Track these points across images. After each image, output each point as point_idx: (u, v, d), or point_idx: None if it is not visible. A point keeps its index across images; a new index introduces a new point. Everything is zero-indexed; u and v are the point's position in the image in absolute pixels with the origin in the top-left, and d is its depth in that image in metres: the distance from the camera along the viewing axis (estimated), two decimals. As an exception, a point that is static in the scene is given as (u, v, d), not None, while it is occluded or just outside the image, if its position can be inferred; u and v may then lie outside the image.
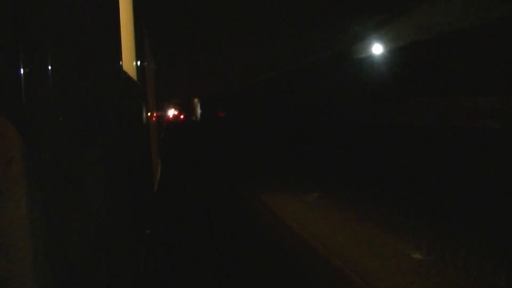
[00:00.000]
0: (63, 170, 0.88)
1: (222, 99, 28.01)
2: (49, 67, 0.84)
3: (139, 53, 3.31)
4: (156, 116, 8.07)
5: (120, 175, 1.70)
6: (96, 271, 1.12)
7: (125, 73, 2.14)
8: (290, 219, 5.23)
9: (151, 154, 4.45)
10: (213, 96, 31.54)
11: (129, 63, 2.69)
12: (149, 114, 4.58)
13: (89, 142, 1.18)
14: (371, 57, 7.81)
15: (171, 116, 41.63)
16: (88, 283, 1.01)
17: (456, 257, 3.62)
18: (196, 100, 39.57)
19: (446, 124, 5.85)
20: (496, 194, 4.64)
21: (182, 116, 42.15)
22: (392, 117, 7.15)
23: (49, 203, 0.77)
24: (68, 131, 0.96)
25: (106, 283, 1.23)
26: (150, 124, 4.58)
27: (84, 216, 1.04)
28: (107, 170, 1.40)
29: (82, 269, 0.97)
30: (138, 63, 3.21)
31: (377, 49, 7.59)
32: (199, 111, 39.10)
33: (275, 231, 4.98)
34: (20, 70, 0.73)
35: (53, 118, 0.85)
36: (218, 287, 3.30)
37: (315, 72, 11.14)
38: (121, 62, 1.92)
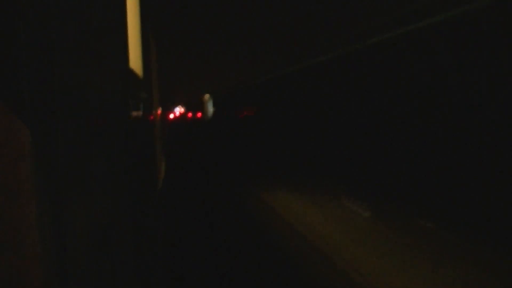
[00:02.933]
0: (71, 168, 0.91)
1: (248, 94, 21.01)
2: (56, 65, 0.85)
3: (145, 50, 3.35)
4: (161, 114, 8.06)
5: (126, 173, 1.74)
6: (102, 269, 1.16)
7: (131, 70, 2.18)
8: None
9: (156, 152, 4.50)
10: (232, 90, 24.95)
11: (135, 60, 2.74)
12: (153, 111, 4.64)
13: (96, 139, 1.22)
14: None
15: (177, 114, 41.00)
16: (94, 281, 1.05)
17: None
18: (207, 96, 34.94)
19: None
20: None
21: (189, 115, 41.30)
22: None
23: (58, 201, 0.80)
24: (76, 129, 0.99)
25: (110, 281, 1.26)
26: (154, 122, 4.63)
27: (91, 215, 1.07)
28: (113, 168, 1.44)
29: (88, 267, 1.00)
30: (144, 60, 3.25)
31: None
32: (210, 109, 34.60)
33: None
34: (27, 69, 0.74)
35: (61, 116, 0.86)
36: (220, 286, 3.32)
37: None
38: (127, 59, 1.96)
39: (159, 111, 7.28)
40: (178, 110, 42.16)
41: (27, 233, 0.71)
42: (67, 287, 0.81)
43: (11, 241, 0.70)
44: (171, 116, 35.51)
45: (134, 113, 2.38)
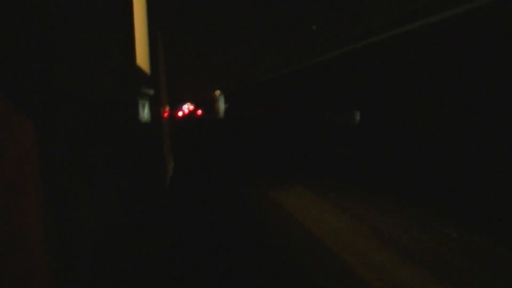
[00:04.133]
0: (76, 167, 0.91)
1: (264, 89, 18.02)
2: (59, 65, 0.87)
3: (152, 48, 3.37)
4: (169, 112, 8.06)
5: (128, 172, 1.75)
6: (102, 269, 1.17)
7: (138, 67, 2.19)
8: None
9: (163, 150, 4.52)
10: (246, 86, 22.09)
11: (142, 56, 2.76)
12: (161, 109, 4.67)
13: (103, 138, 1.22)
14: None
15: (186, 111, 40.89)
16: (95, 280, 1.05)
17: None
18: (217, 92, 32.52)
19: None
20: None
21: (199, 112, 40.96)
22: None
23: (61, 201, 0.81)
24: (82, 128, 0.99)
25: (111, 281, 1.27)
26: (162, 119, 4.66)
27: (95, 213, 1.08)
28: (116, 167, 1.44)
29: (89, 266, 1.00)
30: (151, 56, 3.27)
31: None
32: (222, 106, 31.91)
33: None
34: (34, 69, 0.76)
35: (67, 115, 0.88)
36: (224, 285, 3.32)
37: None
38: (133, 58, 1.98)
39: (167, 109, 7.32)
40: (187, 107, 42.01)
41: (30, 232, 0.73)
42: (69, 286, 0.82)
43: (15, 241, 0.73)
44: (180, 113, 35.41)
45: (141, 111, 2.39)
